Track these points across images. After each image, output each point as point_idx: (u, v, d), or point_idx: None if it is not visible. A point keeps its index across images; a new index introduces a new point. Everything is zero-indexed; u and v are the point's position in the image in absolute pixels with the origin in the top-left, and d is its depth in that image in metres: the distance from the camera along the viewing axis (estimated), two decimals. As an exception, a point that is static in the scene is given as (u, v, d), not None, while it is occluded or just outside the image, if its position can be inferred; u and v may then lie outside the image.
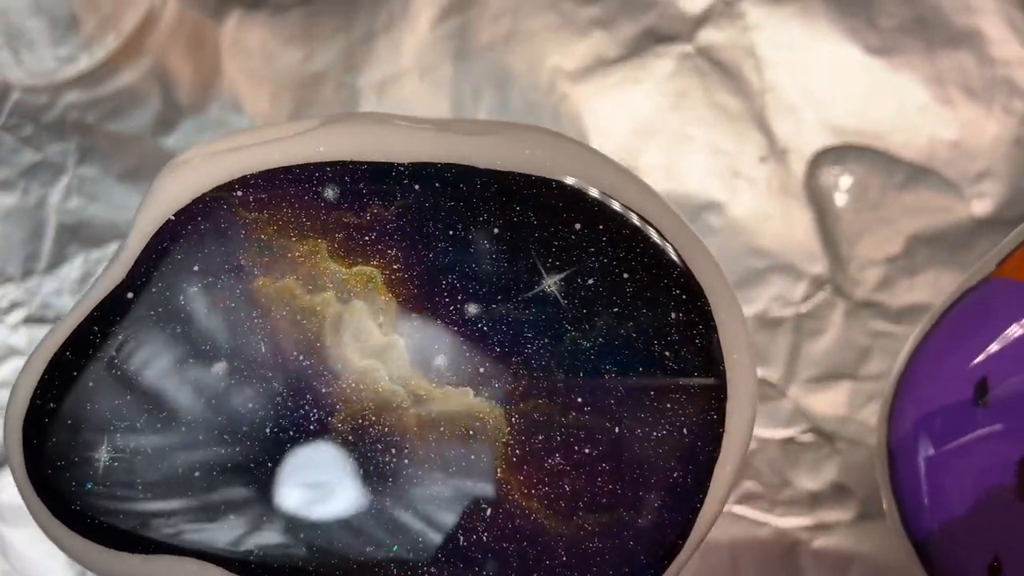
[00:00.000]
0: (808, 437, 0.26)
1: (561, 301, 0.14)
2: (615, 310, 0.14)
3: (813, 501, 0.25)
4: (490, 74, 0.28)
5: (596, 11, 0.28)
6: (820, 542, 0.25)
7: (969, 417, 0.16)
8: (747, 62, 0.27)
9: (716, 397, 0.15)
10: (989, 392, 0.16)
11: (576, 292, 0.14)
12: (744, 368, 0.14)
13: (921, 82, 0.27)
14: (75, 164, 0.26)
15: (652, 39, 0.28)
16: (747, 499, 0.25)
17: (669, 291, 0.14)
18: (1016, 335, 0.16)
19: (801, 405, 0.26)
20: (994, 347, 0.16)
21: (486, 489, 0.14)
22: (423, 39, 0.27)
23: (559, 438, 0.14)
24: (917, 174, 0.27)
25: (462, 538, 0.14)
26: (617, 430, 0.14)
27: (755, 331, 0.26)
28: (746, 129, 0.27)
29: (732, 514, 0.25)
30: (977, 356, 0.16)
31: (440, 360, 0.14)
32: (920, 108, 0.27)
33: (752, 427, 0.14)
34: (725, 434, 0.14)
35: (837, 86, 0.27)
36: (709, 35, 0.28)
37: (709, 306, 0.15)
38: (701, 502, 0.14)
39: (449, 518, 0.14)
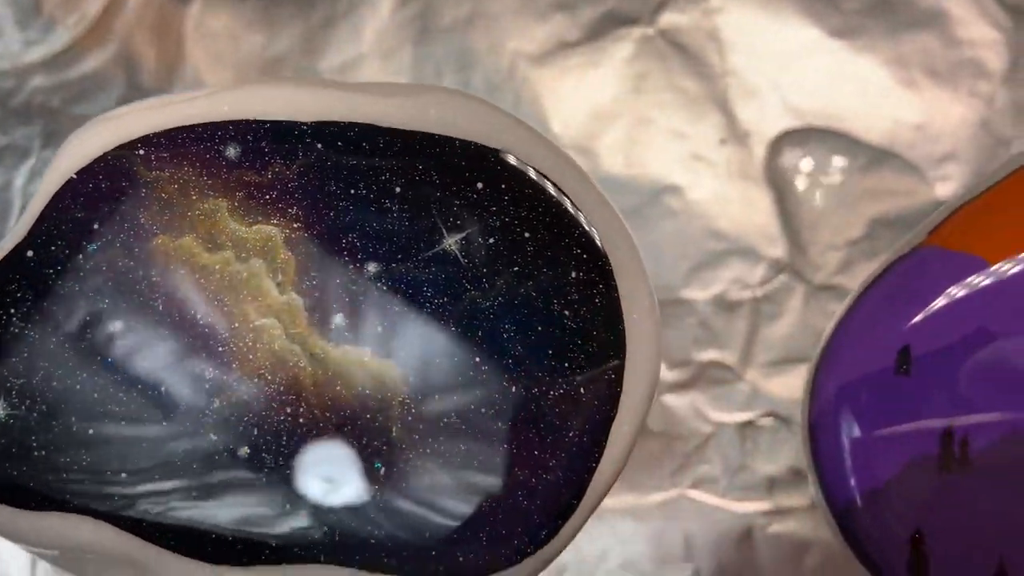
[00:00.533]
0: (766, 421, 0.26)
1: (461, 260, 0.14)
2: (515, 269, 0.14)
3: (770, 485, 0.25)
4: (451, 57, 0.28)
5: (557, -5, 0.28)
6: (777, 527, 0.25)
7: (891, 386, 0.15)
8: (709, 45, 0.27)
9: (614, 356, 0.14)
10: (912, 361, 0.16)
11: (477, 251, 0.14)
12: (644, 327, 0.14)
13: (884, 64, 0.26)
14: (40, 148, 0.27)
15: (613, 22, 0.28)
16: (702, 483, 0.25)
17: (570, 250, 0.14)
18: (941, 303, 0.16)
19: (759, 389, 0.26)
20: (918, 315, 0.16)
21: (381, 449, 0.14)
22: (384, 23, 0.27)
23: (456, 398, 0.14)
24: (880, 157, 0.26)
25: (356, 498, 0.14)
26: (514, 389, 0.14)
27: (713, 314, 0.26)
28: (707, 112, 0.27)
29: (686, 499, 0.25)
30: (900, 324, 0.16)
31: (339, 319, 0.14)
32: (883, 90, 0.26)
33: (652, 388, 0.14)
34: (623, 393, 0.14)
35: (799, 69, 0.27)
36: (670, 18, 0.28)
37: (610, 265, 0.14)
38: (597, 462, 0.14)
39: (343, 477, 0.14)
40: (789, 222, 0.26)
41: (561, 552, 0.15)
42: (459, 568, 0.14)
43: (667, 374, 0.26)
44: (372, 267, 0.14)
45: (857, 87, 0.27)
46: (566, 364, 0.14)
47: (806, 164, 0.26)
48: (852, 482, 0.15)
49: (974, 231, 0.16)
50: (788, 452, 0.25)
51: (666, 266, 0.26)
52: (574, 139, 0.28)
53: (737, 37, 0.27)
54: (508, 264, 0.14)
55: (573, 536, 0.14)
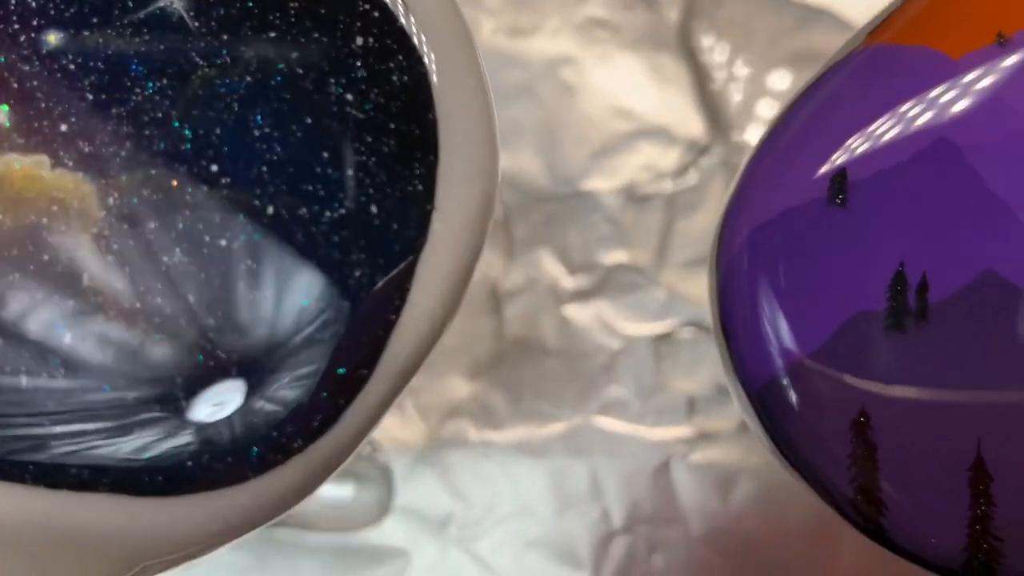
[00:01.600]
0: (686, 332, 0.22)
1: (189, 23, 0.10)
2: (271, 35, 0.10)
3: (690, 407, 0.21)
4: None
5: None
6: (699, 455, 0.21)
7: (822, 223, 0.12)
8: None
9: (421, 161, 0.10)
10: (849, 188, 0.12)
11: (212, 10, 0.10)
12: (469, 114, 0.10)
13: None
14: None
15: None
16: (611, 408, 0.21)
17: (352, 6, 0.10)
18: (887, 113, 0.12)
19: (676, 294, 0.22)
20: (857, 130, 0.12)
21: (67, 303, 0.10)
22: None
23: (181, 228, 0.10)
24: (811, 15, 0.22)
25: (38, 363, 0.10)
26: (270, 212, 0.10)
27: (620, 208, 0.22)
28: (608, -31, 0.23)
29: (592, 428, 0.21)
30: (834, 143, 0.12)
31: (1, 116, 0.10)
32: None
33: (486, 219, 0.10)
34: (435, 211, 0.10)
35: (716, -83, 0.23)
36: None
37: (414, 28, 0.10)
38: (396, 313, 0.10)
39: (26, 334, 0.10)
40: (707, 97, 0.22)
41: (345, 455, 0.10)
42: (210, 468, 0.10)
43: (567, 280, 0.22)
44: (52, 37, 0.10)
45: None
46: (349, 173, 0.10)
47: (726, 28, 0.23)
48: (772, 352, 0.12)
49: (931, 20, 0.12)
50: (711, 367, 0.21)
51: (563, 153, 0.22)
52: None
53: None
54: (261, 28, 0.10)
55: (371, 420, 0.10)
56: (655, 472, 0.21)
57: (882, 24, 0.13)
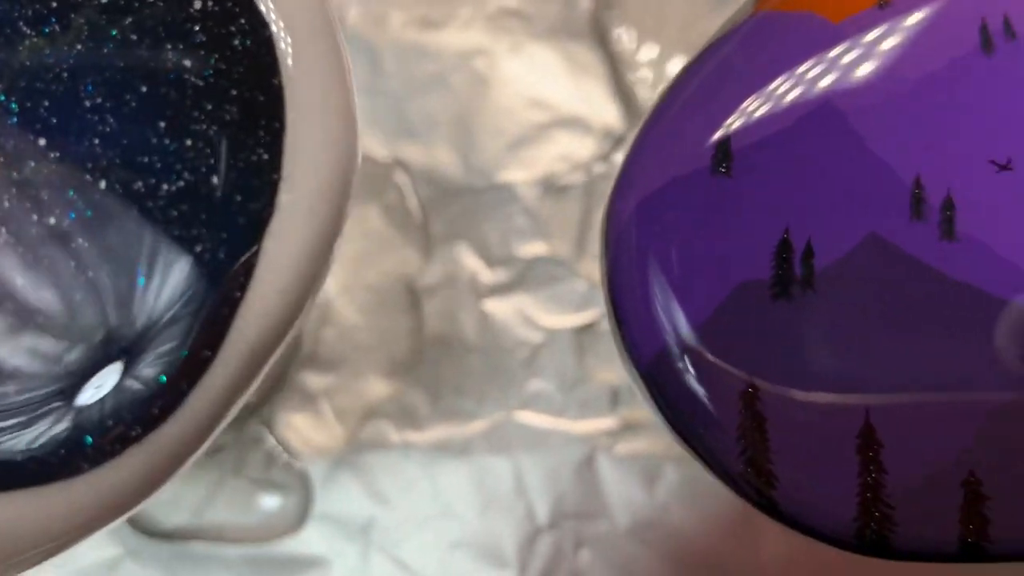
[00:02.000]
0: (607, 323, 0.21)
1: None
2: (103, 1, 0.09)
3: (615, 398, 0.21)
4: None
5: None
6: (623, 447, 0.21)
7: (707, 193, 0.11)
8: None
9: (267, 129, 0.10)
10: (733, 156, 0.11)
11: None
12: (320, 81, 0.09)
13: None
14: None
15: None
16: (533, 402, 0.21)
17: None
18: (770, 78, 0.12)
19: (597, 284, 0.21)
20: (741, 97, 0.12)
21: None
22: None
23: (7, 207, 0.09)
24: None
25: None
26: (103, 187, 0.09)
27: (538, 200, 0.21)
28: (519, -41, 0.23)
29: (515, 423, 0.21)
30: (718, 112, 0.12)
31: None
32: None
33: (344, 183, 0.10)
34: (283, 181, 0.09)
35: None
36: None
37: None
38: (242, 291, 0.09)
39: None
40: (622, 85, 0.22)
41: (196, 444, 0.10)
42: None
43: (486, 275, 0.21)
44: None
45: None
46: (187, 143, 0.09)
47: (637, 11, 0.22)
48: (660, 326, 0.11)
49: (812, -17, 0.12)
50: (634, 357, 0.21)
51: (479, 146, 0.22)
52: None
53: None
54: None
55: (221, 406, 0.10)
56: (579, 466, 0.20)
57: (766, -7, 0.12)
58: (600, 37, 0.22)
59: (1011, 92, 0.11)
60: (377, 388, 0.21)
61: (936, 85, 0.11)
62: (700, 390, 0.11)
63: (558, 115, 0.22)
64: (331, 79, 0.10)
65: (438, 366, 0.21)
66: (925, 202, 0.11)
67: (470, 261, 0.21)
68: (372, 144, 0.22)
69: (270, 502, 0.21)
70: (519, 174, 0.22)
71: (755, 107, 0.12)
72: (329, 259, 0.10)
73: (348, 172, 0.09)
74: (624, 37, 0.22)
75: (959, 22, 0.12)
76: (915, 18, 0.12)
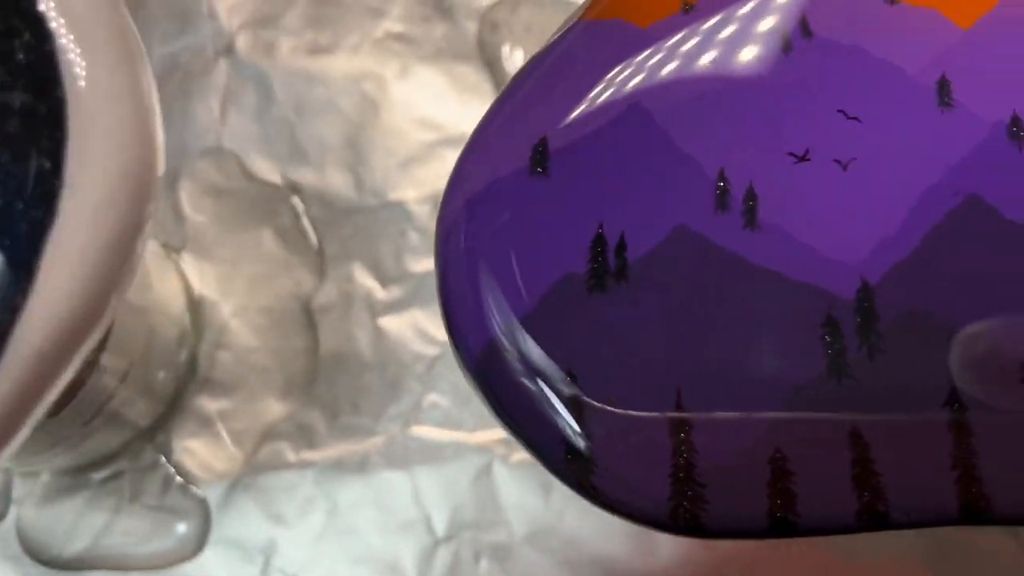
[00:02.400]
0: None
1: None
2: None
3: (509, 410, 0.21)
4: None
5: None
6: (519, 456, 0.21)
7: (527, 192, 0.12)
8: (402, -91, 0.24)
9: (50, 138, 0.10)
10: (550, 156, 0.12)
11: None
12: (108, 91, 0.09)
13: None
14: None
15: None
16: (430, 416, 0.21)
17: None
18: (582, 82, 0.12)
19: (488, 298, 0.22)
20: (559, 100, 0.12)
21: None
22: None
23: None
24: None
25: None
26: None
27: (429, 217, 0.22)
28: (405, -15, 0.23)
29: (412, 438, 0.21)
30: (536, 116, 0.12)
31: None
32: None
33: (137, 192, 0.10)
34: (65, 188, 0.09)
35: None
36: None
37: (42, 7, 0.10)
38: (25, 296, 0.09)
39: None
40: (509, 103, 0.23)
41: None
42: None
43: (380, 292, 0.22)
44: None
45: (574, -53, 0.23)
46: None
47: (523, 35, 0.23)
48: (486, 321, 0.12)
49: (624, -7, 0.13)
50: (528, 367, 0.22)
51: (371, 166, 0.22)
52: (243, 25, 0.23)
53: (433, -102, 0.24)
54: None
55: (8, 420, 0.10)
56: (476, 477, 0.21)
57: (587, 5, 0.13)
58: (486, 58, 0.23)
59: (808, 88, 0.12)
60: (274, 409, 0.21)
61: (738, 83, 0.12)
62: (525, 382, 0.11)
63: (446, 134, 0.22)
64: (123, 90, 0.10)
65: (334, 385, 0.21)
66: (729, 194, 0.12)
67: (364, 279, 0.22)
68: (265, 168, 0.22)
69: (169, 528, 0.20)
70: (410, 192, 0.22)
71: (570, 110, 0.12)
72: (129, 263, 0.10)
73: (143, 181, 0.10)
74: (509, 58, 0.23)
75: (759, 23, 0.12)
76: (717, 20, 0.12)
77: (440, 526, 0.20)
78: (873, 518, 0.11)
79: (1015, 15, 0.12)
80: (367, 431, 0.21)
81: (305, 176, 0.22)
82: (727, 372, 0.11)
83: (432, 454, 0.21)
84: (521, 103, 0.12)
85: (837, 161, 0.12)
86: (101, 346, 0.15)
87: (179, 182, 0.22)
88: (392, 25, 0.22)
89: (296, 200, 0.22)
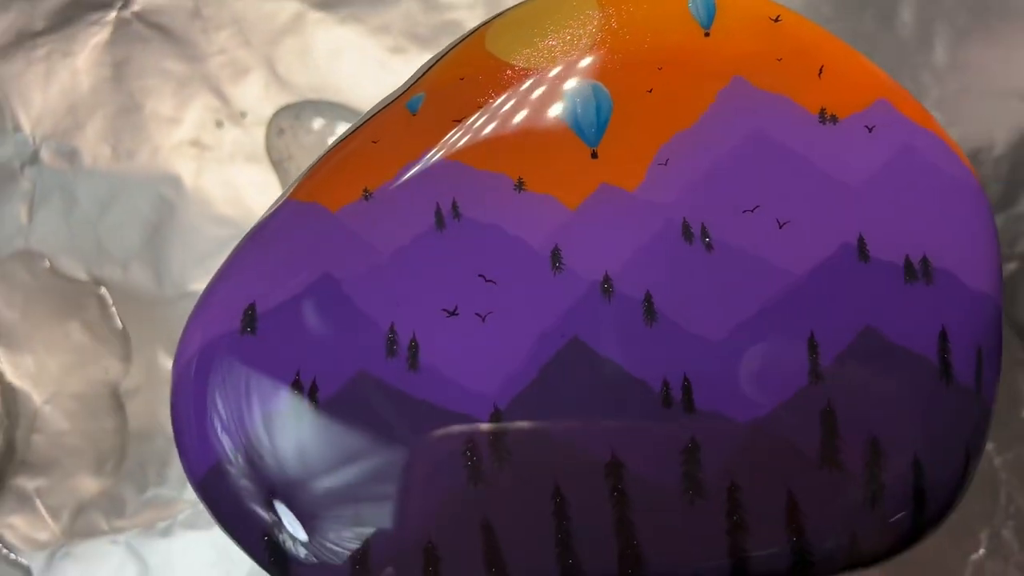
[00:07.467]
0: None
1: None
2: None
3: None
4: None
5: (15, -18, 0.26)
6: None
7: (239, 348, 0.15)
8: (193, 24, 0.26)
9: None
10: (258, 318, 0.15)
11: None
12: None
13: (370, 33, 0.27)
14: None
15: (81, 8, 0.26)
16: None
17: None
18: (285, 255, 0.15)
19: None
20: (267, 271, 0.15)
21: None
22: None
23: None
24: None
25: None
26: None
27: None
28: (198, 94, 0.26)
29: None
30: (247, 282, 0.15)
31: None
32: (375, 59, 0.27)
33: None
34: None
35: (289, 43, 0.26)
36: None
37: None
38: None
39: None
40: (295, 199, 0.26)
41: None
42: None
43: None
44: None
45: (352, 56, 0.26)
46: None
47: (305, 140, 0.26)
48: (209, 449, 0.15)
49: (318, 180, 0.16)
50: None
51: (171, 260, 0.25)
52: (46, 136, 0.25)
53: (220, 13, 0.26)
54: None
55: None
56: (272, 532, 0.24)
57: (295, 185, 0.16)
58: (273, 160, 0.25)
59: (457, 257, 0.15)
60: (87, 484, 0.23)
61: (403, 255, 0.15)
62: (235, 500, 0.14)
63: (239, 229, 0.25)
64: None
65: (142, 459, 0.24)
66: (397, 343, 0.15)
67: (167, 363, 0.24)
68: (71, 266, 0.24)
69: (-8, 597, 0.23)
70: (206, 284, 0.25)
71: (274, 279, 0.15)
72: None
73: None
74: (293, 159, 0.26)
75: (420, 206, 0.16)
76: (388, 204, 0.16)
77: (241, 580, 0.23)
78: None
79: (610, 196, 0.16)
80: (172, 499, 0.23)
81: (110, 272, 0.24)
82: (397, 489, 0.14)
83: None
84: (233, 270, 0.15)
85: (478, 314, 0.15)
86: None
87: (-9, 281, 0.24)
88: (187, 133, 0.25)
89: (104, 292, 0.24)
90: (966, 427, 0.16)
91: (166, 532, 0.23)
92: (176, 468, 0.24)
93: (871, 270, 0.16)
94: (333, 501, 0.14)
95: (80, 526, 0.23)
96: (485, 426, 0.15)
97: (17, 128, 0.25)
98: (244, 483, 0.14)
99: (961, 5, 0.28)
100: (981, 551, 0.24)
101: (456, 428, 0.15)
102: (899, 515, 0.15)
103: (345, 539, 0.14)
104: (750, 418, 0.15)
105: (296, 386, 0.15)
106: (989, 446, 0.25)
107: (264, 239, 0.15)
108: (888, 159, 0.16)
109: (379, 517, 0.14)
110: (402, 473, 0.14)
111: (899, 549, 0.16)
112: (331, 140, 0.27)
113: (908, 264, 0.16)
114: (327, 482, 0.14)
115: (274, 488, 0.14)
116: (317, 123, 0.26)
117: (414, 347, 0.15)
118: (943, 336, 0.16)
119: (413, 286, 0.15)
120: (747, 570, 0.15)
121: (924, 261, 0.16)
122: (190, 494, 0.24)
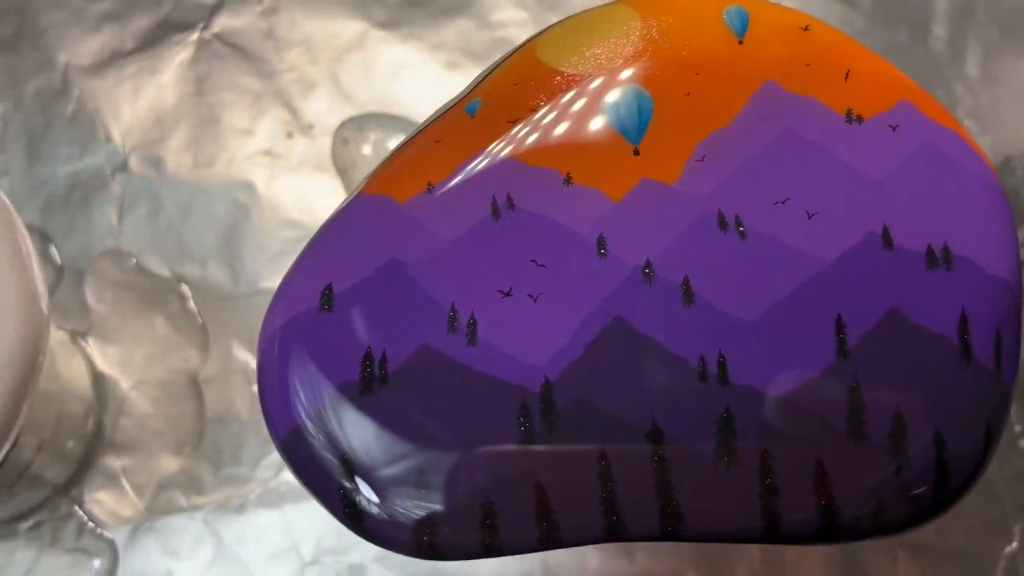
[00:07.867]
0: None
1: None
2: None
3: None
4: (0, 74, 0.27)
5: (107, 6, 0.28)
6: (369, 494, 0.26)
7: (317, 324, 0.17)
8: (266, 44, 0.28)
9: None
10: (334, 297, 0.17)
11: None
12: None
13: (428, 49, 0.29)
14: None
15: (167, 29, 0.28)
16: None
17: None
18: (358, 241, 0.17)
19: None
20: (339, 255, 0.17)
21: None
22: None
23: None
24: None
25: None
26: None
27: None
28: (270, 108, 0.28)
29: (282, 481, 0.25)
30: (325, 265, 0.17)
31: None
32: (432, 74, 0.28)
33: (33, 339, 0.14)
34: None
35: (353, 60, 0.28)
36: (225, 21, 0.28)
37: None
38: None
39: None
40: (359, 204, 0.28)
41: None
42: None
43: (255, 365, 0.26)
44: None
45: (410, 72, 0.28)
46: None
47: (368, 150, 0.28)
48: (290, 414, 0.16)
49: (387, 176, 0.18)
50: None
51: (245, 260, 0.27)
52: (135, 147, 0.28)
53: (292, 34, 0.28)
54: None
55: None
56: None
57: (367, 180, 0.18)
58: (339, 168, 0.27)
59: (511, 244, 0.17)
60: (168, 464, 0.25)
61: (463, 242, 0.17)
62: (315, 460, 0.16)
63: (307, 231, 0.27)
64: (11, 288, 0.14)
65: (218, 442, 0.26)
66: (457, 321, 0.17)
67: (241, 354, 0.26)
68: (156, 265, 0.27)
69: (84, 566, 0.25)
70: (278, 281, 0.27)
71: (348, 263, 0.17)
72: (30, 391, 0.14)
73: (32, 345, 0.14)
74: (357, 167, 0.27)
75: (478, 198, 0.17)
76: (448, 196, 0.17)
77: (307, 552, 0.25)
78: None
79: (651, 189, 0.17)
80: (246, 478, 0.25)
81: (190, 270, 0.26)
82: (464, 449, 0.16)
83: (299, 495, 0.25)
84: (313, 254, 0.17)
85: (530, 296, 0.17)
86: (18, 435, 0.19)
87: (84, 278, 0.26)
88: (260, 143, 0.27)
89: (184, 288, 0.26)
90: (986, 405, 0.17)
91: (240, 509, 0.25)
92: (249, 450, 0.26)
93: (895, 257, 0.17)
94: (400, 460, 0.16)
95: (161, 503, 0.25)
96: (536, 395, 0.16)
97: (109, 139, 0.27)
98: (320, 444, 0.16)
99: (992, 21, 0.29)
100: (1014, 544, 0.25)
101: (510, 396, 0.16)
102: (922, 487, 0.16)
103: (412, 495, 0.16)
104: (781, 392, 0.16)
105: (367, 357, 0.16)
106: (1022, 441, 0.26)
107: (339, 228, 0.17)
108: (910, 155, 0.18)
109: (442, 476, 0.16)
110: (462, 436, 0.16)
111: (922, 519, 0.17)
112: (391, 146, 0.29)
113: (930, 252, 0.17)
114: (394, 444, 0.16)
115: (346, 450, 0.16)
116: (378, 134, 0.28)
117: (472, 324, 0.16)
118: (963, 318, 0.17)
119: (471, 270, 0.17)
120: (777, 532, 0.16)
121: (945, 249, 0.17)
122: (262, 473, 0.25)
